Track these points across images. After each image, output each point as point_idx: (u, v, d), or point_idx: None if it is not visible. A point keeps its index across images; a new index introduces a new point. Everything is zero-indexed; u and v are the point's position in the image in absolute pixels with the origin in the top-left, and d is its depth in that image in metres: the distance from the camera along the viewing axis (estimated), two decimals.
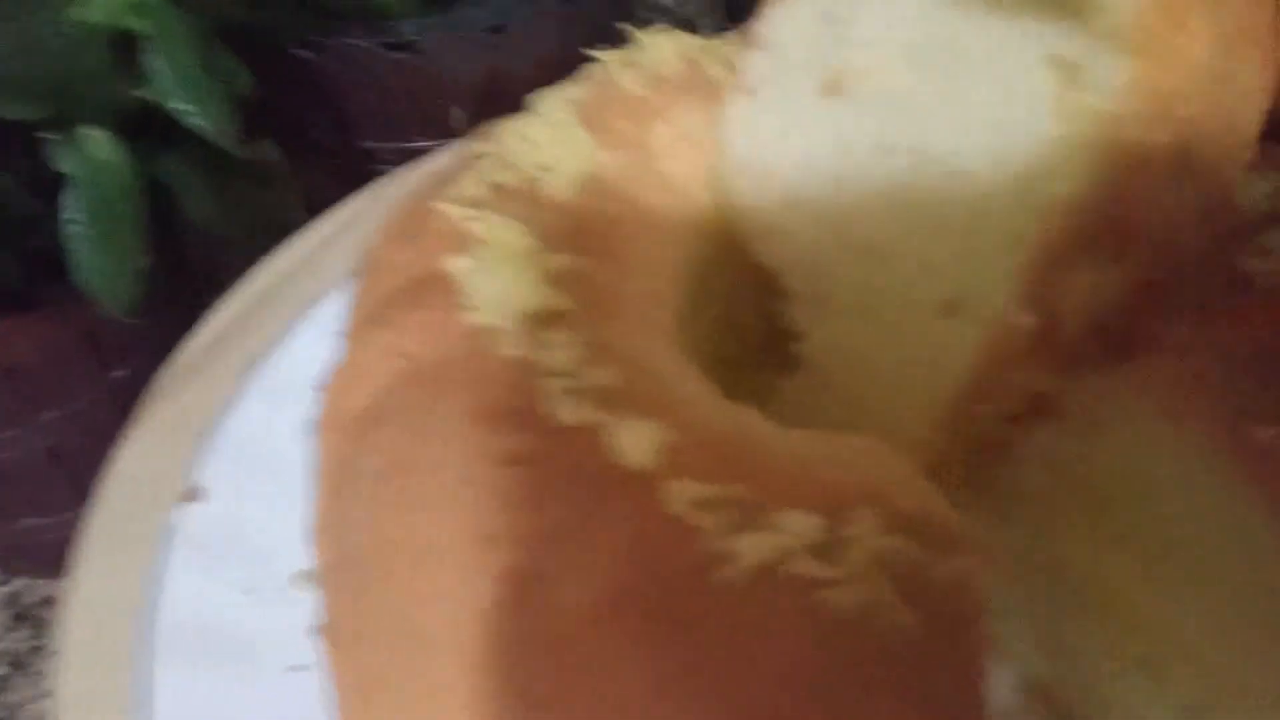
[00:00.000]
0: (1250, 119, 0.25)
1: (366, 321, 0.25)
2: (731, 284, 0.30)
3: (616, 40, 0.32)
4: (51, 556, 0.40)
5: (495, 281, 0.23)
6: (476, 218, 0.25)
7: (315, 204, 0.47)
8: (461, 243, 0.24)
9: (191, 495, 0.31)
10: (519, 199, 0.26)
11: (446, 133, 0.53)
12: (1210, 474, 0.21)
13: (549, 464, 0.20)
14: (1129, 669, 0.24)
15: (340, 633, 0.24)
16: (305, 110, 0.53)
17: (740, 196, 0.29)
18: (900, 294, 0.26)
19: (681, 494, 0.19)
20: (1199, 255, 0.23)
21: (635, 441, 0.20)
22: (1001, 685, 0.27)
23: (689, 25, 0.64)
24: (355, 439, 0.23)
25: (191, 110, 0.36)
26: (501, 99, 0.34)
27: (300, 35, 0.50)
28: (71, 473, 0.47)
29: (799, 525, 0.18)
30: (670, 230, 0.28)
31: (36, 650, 0.49)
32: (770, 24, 0.30)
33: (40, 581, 0.52)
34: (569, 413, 0.21)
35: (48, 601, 0.51)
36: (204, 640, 0.28)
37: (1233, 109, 0.24)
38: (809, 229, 0.28)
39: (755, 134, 0.29)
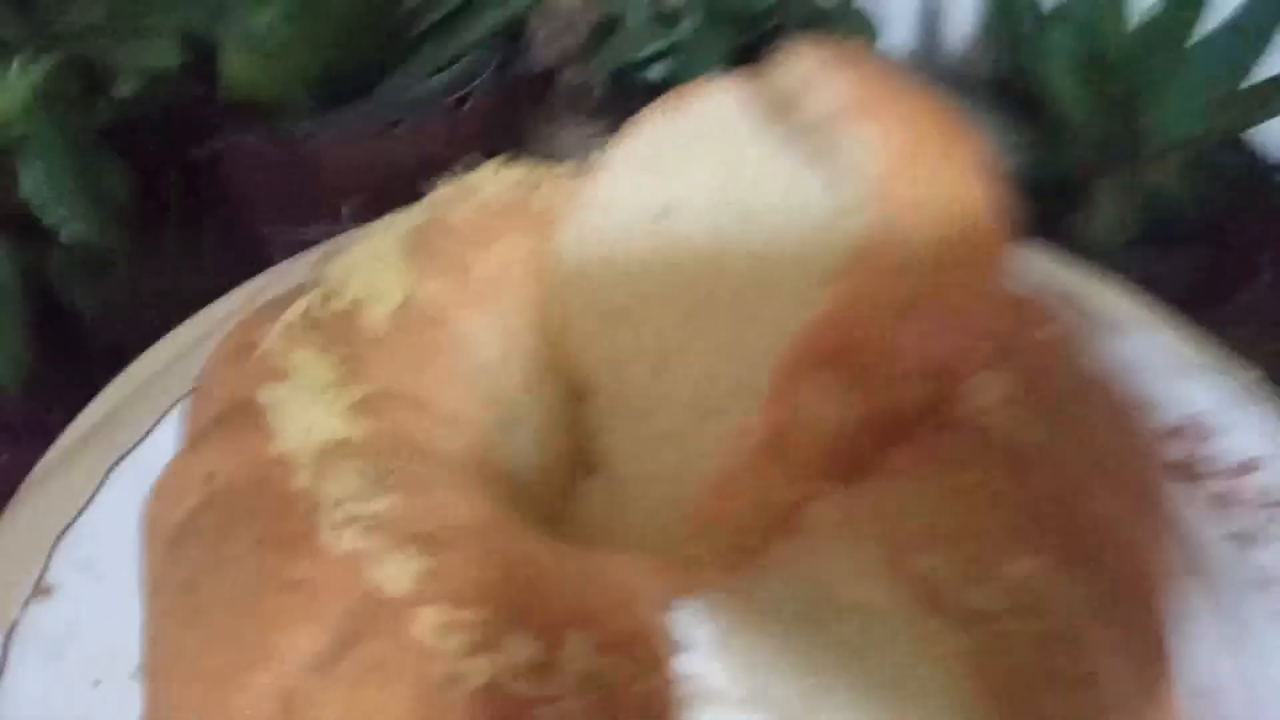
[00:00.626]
0: (978, 268, 0.28)
1: (190, 439, 0.27)
2: (548, 399, 0.33)
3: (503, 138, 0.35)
4: None
5: (298, 412, 0.26)
6: (289, 349, 0.27)
7: (211, 288, 0.49)
8: (275, 372, 0.27)
9: (41, 592, 0.33)
10: (336, 329, 0.29)
11: (338, 221, 0.56)
12: (886, 598, 0.24)
13: (321, 591, 0.23)
14: None
15: None
16: (201, 201, 0.55)
17: (561, 308, 0.32)
18: (679, 400, 0.29)
19: (430, 620, 0.22)
20: (921, 395, 0.27)
21: (396, 571, 0.23)
22: None
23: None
24: (167, 553, 0.26)
25: (66, 219, 0.39)
26: (393, 191, 0.37)
27: (193, 135, 0.53)
28: None
29: (518, 648, 0.21)
30: (484, 352, 0.31)
31: None
32: (616, 155, 0.33)
33: None
34: (343, 542, 0.23)
35: None
36: None
37: (961, 274, 0.27)
38: (614, 333, 0.31)
39: (588, 254, 0.33)
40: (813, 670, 0.23)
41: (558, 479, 0.31)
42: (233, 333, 0.30)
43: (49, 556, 0.33)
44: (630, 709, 0.21)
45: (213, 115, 0.53)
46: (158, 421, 0.38)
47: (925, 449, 0.26)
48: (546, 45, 0.76)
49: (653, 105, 0.33)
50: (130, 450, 0.37)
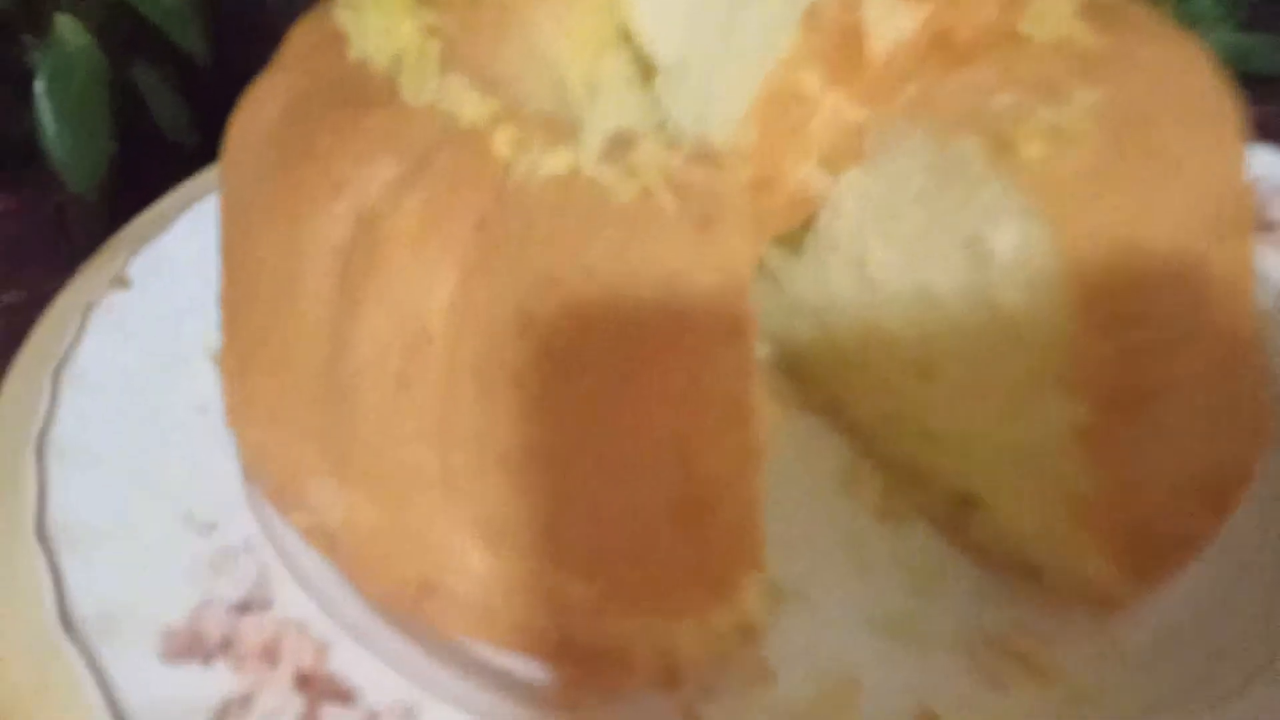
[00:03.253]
0: None
1: (271, 71, 0.28)
2: (610, 93, 0.33)
3: None
4: None
5: (376, 25, 0.27)
6: None
7: None
8: (353, 3, 0.28)
9: (119, 283, 0.34)
10: None
11: None
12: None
13: (401, 128, 0.23)
14: None
15: (234, 340, 0.27)
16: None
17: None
18: (749, 20, 0.29)
19: (502, 138, 0.22)
20: (990, 12, 0.27)
21: (473, 109, 0.23)
22: None
23: None
24: (247, 160, 0.27)
25: None
26: None
27: None
28: None
29: (591, 142, 0.21)
30: (549, 51, 0.32)
31: None
32: None
33: None
34: (422, 96, 0.24)
35: None
36: (110, 391, 0.30)
37: None
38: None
39: None
40: None
41: None
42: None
43: (129, 256, 0.35)
44: (704, 200, 0.21)
45: None
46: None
47: (993, 63, 0.26)
48: None
49: None
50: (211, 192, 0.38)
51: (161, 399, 0.30)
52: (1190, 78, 0.26)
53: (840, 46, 0.26)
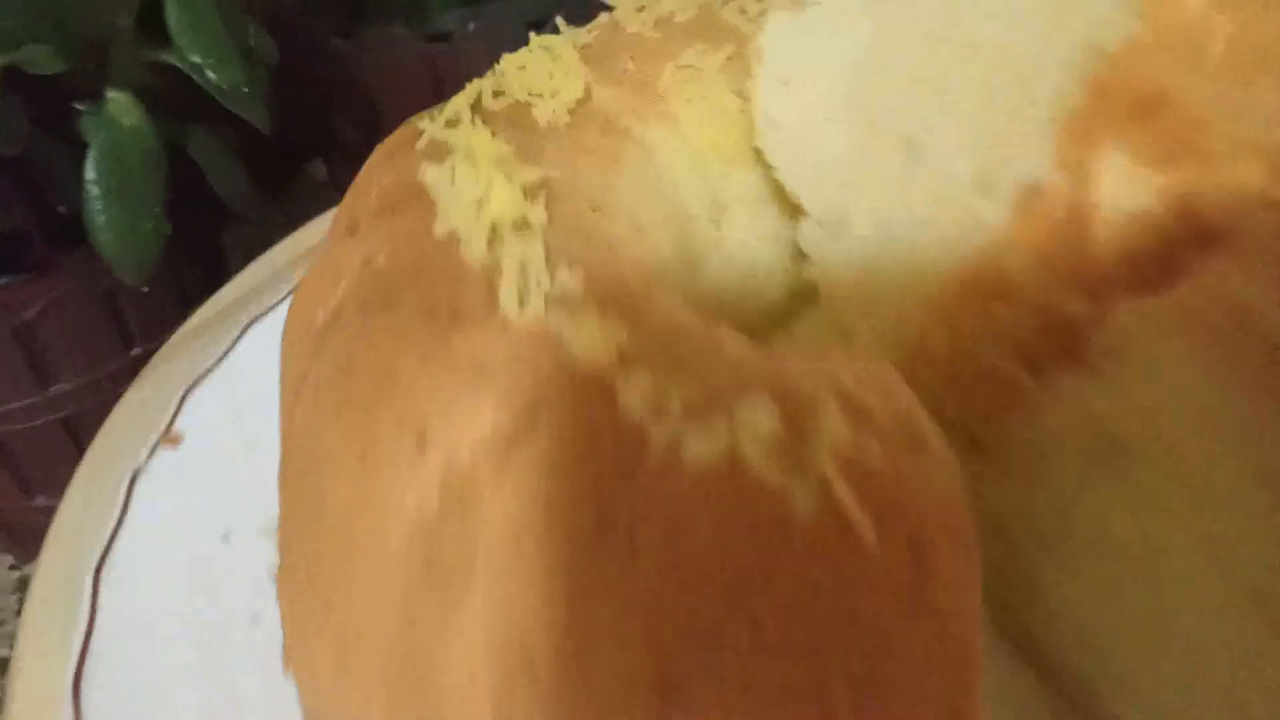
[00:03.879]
0: None
1: (341, 234, 0.24)
2: (742, 224, 0.28)
3: None
4: None
5: (468, 186, 0.22)
6: (456, 133, 0.23)
7: (348, 179, 0.47)
8: (439, 154, 0.23)
9: (170, 440, 0.29)
10: (508, 118, 0.25)
11: None
12: (1236, 413, 0.18)
13: (503, 362, 0.18)
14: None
15: (290, 568, 0.23)
16: (341, 109, 0.53)
17: (767, 113, 0.27)
18: (933, 179, 0.23)
19: (633, 390, 0.17)
20: (1254, 176, 0.21)
21: (590, 340, 0.18)
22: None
23: None
24: (315, 346, 0.22)
25: (206, 63, 0.36)
26: None
27: (340, 27, 0.50)
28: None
29: (753, 417, 0.16)
30: (668, 170, 0.27)
31: None
32: None
33: None
34: (527, 311, 0.19)
35: None
36: (161, 575, 0.26)
37: None
38: (841, 133, 0.26)
39: (799, 50, 0.28)
40: None
41: (757, 314, 0.26)
42: (393, 135, 0.26)
43: (179, 406, 0.30)
44: (901, 501, 0.15)
45: (360, 9, 0.50)
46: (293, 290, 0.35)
47: (1252, 246, 0.20)
48: None
49: None
50: (266, 313, 0.34)
51: (211, 602, 0.26)
52: None
53: (1060, 228, 0.20)
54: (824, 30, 0.26)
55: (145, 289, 0.41)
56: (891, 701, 0.14)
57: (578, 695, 0.16)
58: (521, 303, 0.19)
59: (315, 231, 0.42)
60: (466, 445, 0.18)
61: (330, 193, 0.61)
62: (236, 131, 0.46)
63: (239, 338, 0.32)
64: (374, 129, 0.55)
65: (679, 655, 0.15)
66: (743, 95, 0.28)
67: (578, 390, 0.17)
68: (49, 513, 0.49)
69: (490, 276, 0.20)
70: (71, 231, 0.43)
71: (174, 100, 0.43)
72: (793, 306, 0.28)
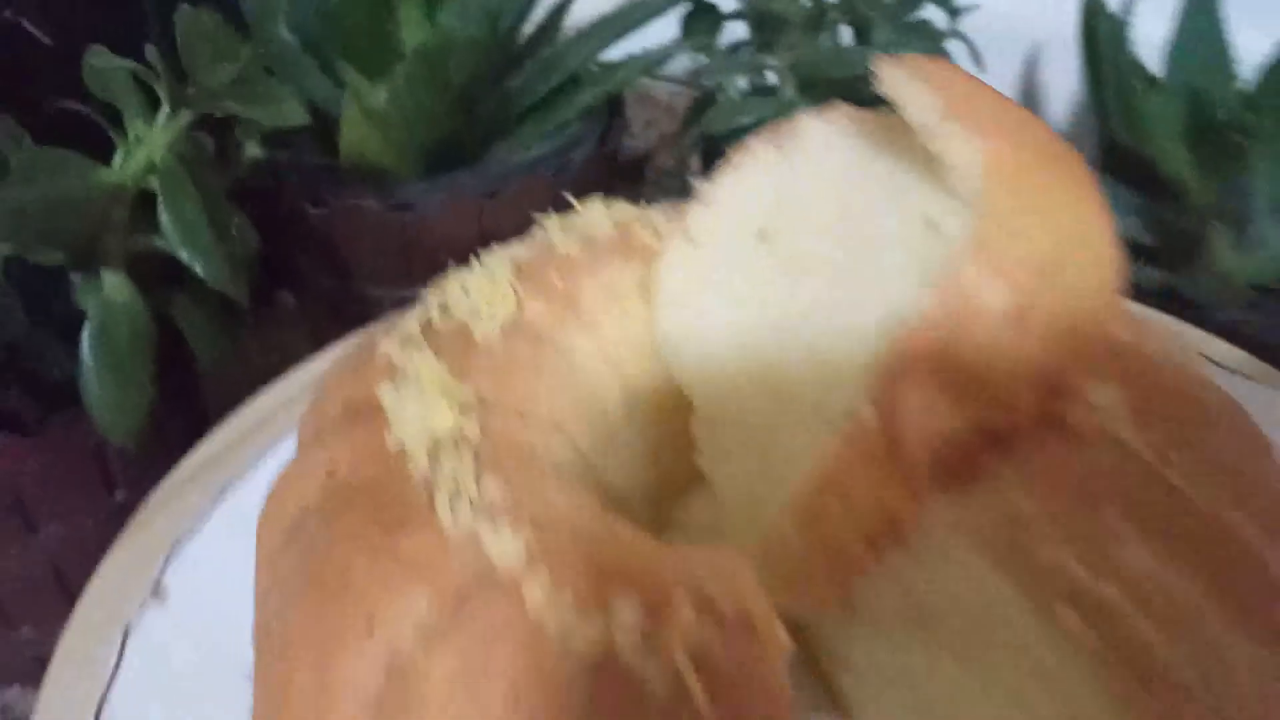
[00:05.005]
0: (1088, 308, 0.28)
1: (309, 439, 0.29)
2: (647, 419, 0.33)
3: None
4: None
5: (415, 407, 0.27)
6: (406, 354, 0.29)
7: (319, 345, 0.52)
8: (393, 372, 0.28)
9: (156, 597, 0.34)
10: (449, 338, 0.30)
11: None
12: (1013, 605, 0.24)
13: (435, 562, 0.23)
14: None
15: None
16: (313, 260, 0.58)
17: (668, 338, 0.33)
18: (778, 413, 0.29)
19: (540, 590, 0.22)
20: (1031, 403, 0.26)
21: (507, 546, 0.23)
22: None
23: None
24: (284, 544, 0.27)
25: (195, 260, 0.41)
26: None
27: (312, 195, 0.56)
28: (71, 589, 0.51)
29: (626, 614, 0.21)
30: (587, 373, 0.32)
31: None
32: (718, 185, 0.34)
33: (33, 692, 0.54)
34: (458, 519, 0.24)
35: None
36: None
37: (1071, 292, 0.27)
38: (722, 362, 0.31)
39: (689, 278, 0.33)
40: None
41: (656, 498, 0.32)
42: (350, 347, 0.31)
43: (164, 564, 0.35)
44: (736, 686, 0.20)
45: (330, 181, 0.56)
46: (268, 452, 0.39)
47: (1037, 455, 0.26)
48: (645, 129, 0.79)
49: (752, 136, 0.34)
50: (242, 475, 0.39)
51: None
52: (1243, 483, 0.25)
53: (882, 446, 0.25)
54: (709, 270, 0.32)
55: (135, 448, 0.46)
56: None
57: None
58: (453, 511, 0.24)
59: (282, 390, 0.46)
60: (408, 628, 0.22)
61: (299, 319, 0.66)
62: (215, 294, 0.51)
63: (214, 503, 0.37)
64: (344, 277, 0.60)
65: None
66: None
67: (493, 587, 0.22)
68: (32, 644, 0.52)
69: (430, 488, 0.25)
70: (62, 394, 0.47)
71: (160, 269, 0.48)
72: (692, 484, 0.33)
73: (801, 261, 0.30)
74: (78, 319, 0.45)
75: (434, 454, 0.26)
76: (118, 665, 0.32)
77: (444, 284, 0.33)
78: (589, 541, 0.23)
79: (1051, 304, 0.26)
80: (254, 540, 0.31)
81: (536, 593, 0.22)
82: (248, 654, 0.29)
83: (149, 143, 0.41)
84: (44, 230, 0.40)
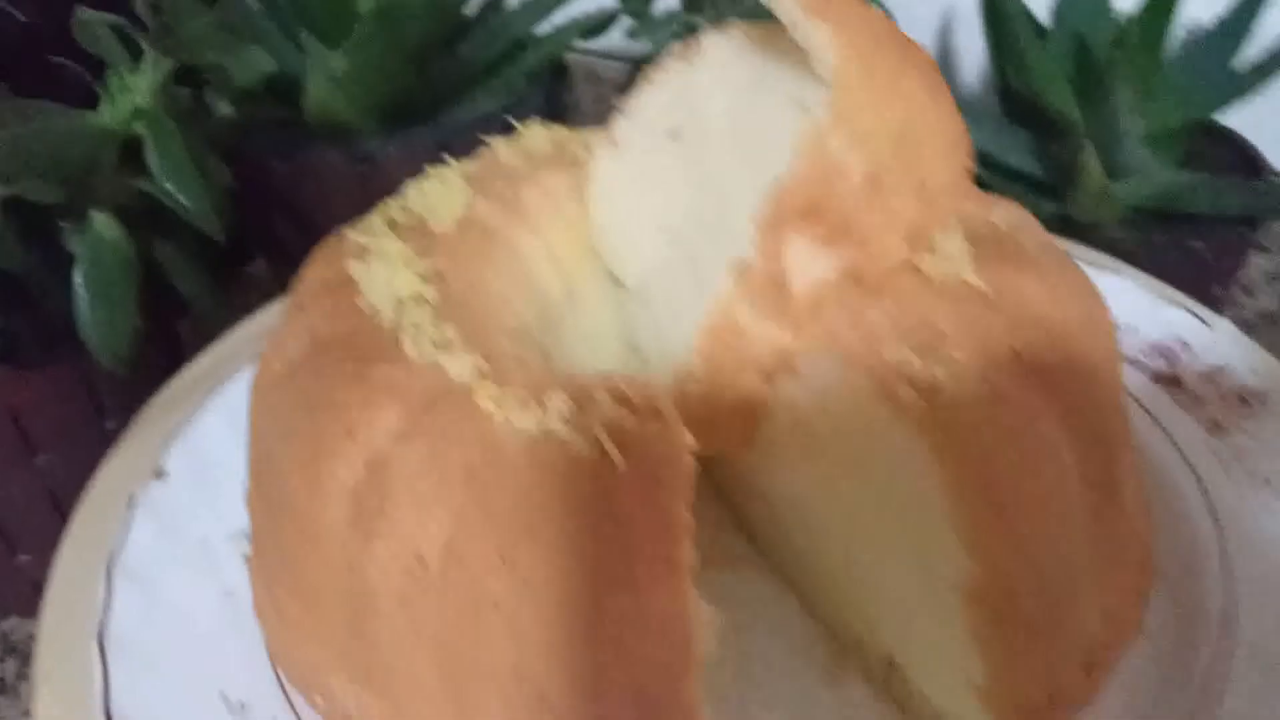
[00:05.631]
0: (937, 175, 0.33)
1: (293, 310, 0.33)
2: (584, 303, 0.38)
3: None
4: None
5: (382, 276, 0.32)
6: (372, 238, 0.34)
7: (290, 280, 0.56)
8: (361, 254, 0.33)
9: (157, 475, 0.38)
10: (410, 227, 0.35)
11: None
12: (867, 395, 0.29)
13: (402, 382, 0.28)
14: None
15: (261, 555, 0.32)
16: (278, 209, 0.63)
17: (600, 230, 0.38)
18: (705, 286, 0.34)
19: (485, 395, 0.27)
20: (889, 253, 0.32)
21: (462, 367, 0.28)
22: None
23: None
24: (274, 391, 0.31)
25: (178, 194, 0.46)
26: None
27: (278, 151, 0.60)
28: (66, 516, 0.55)
29: (555, 404, 0.26)
30: (529, 261, 0.37)
31: (23, 678, 0.55)
32: (636, 98, 0.39)
33: (31, 620, 0.58)
34: (420, 351, 0.29)
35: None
36: (155, 581, 0.35)
37: (922, 161, 0.33)
38: (646, 245, 0.37)
39: (616, 177, 0.39)
40: None
41: (598, 363, 0.37)
42: (326, 243, 0.36)
43: (164, 449, 0.39)
44: (646, 450, 0.26)
45: (295, 135, 0.61)
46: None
47: (890, 287, 0.31)
48: (594, 104, 0.85)
49: (665, 54, 0.39)
50: (231, 377, 0.43)
51: (197, 585, 0.35)
52: (1069, 311, 0.31)
53: (768, 289, 0.31)
54: (631, 168, 0.37)
55: (124, 374, 0.50)
56: (634, 560, 0.24)
57: (454, 582, 0.26)
58: (417, 346, 0.29)
59: (258, 322, 0.51)
60: (381, 435, 0.27)
61: (271, 285, 0.71)
62: (194, 240, 0.55)
63: (205, 401, 0.42)
64: (310, 233, 0.65)
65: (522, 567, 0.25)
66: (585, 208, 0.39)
67: (451, 395, 0.28)
68: (27, 569, 0.56)
69: (397, 333, 0.30)
70: (56, 330, 0.51)
71: (144, 215, 0.52)
72: (626, 358, 0.38)
73: (705, 151, 0.36)
74: (67, 263, 0.50)
75: (399, 309, 0.31)
76: (125, 532, 0.36)
77: (403, 191, 0.38)
78: (531, 369, 0.29)
79: (903, 169, 0.32)
80: (241, 429, 0.36)
81: (486, 398, 0.27)
82: (241, 519, 0.34)
83: (134, 88, 0.46)
84: (40, 168, 0.44)
